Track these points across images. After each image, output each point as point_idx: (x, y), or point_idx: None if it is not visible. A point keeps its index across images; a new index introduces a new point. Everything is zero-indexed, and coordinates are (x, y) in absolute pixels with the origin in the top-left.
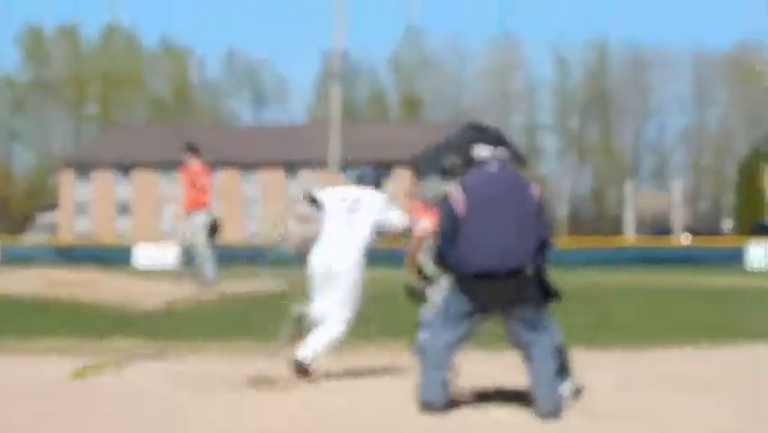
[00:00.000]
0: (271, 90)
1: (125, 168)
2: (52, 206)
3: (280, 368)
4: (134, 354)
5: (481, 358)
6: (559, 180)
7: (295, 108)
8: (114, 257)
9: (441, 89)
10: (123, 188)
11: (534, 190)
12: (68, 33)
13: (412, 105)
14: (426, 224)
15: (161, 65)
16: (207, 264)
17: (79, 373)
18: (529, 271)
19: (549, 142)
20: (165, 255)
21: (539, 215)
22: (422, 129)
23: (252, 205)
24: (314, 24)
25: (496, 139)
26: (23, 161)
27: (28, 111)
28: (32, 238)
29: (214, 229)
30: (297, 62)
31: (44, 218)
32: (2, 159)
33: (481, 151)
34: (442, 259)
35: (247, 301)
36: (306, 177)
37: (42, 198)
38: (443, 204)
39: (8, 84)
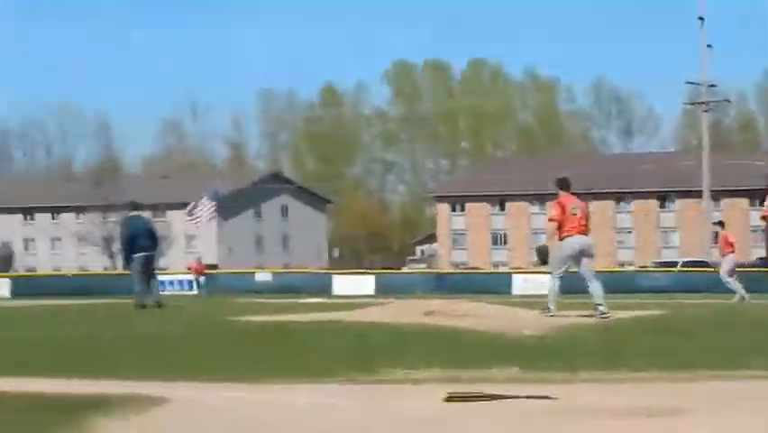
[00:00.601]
0: (639, 119)
1: (499, 200)
2: (430, 237)
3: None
4: (513, 383)
5: None
6: None
7: (663, 137)
8: (493, 286)
9: None
10: (498, 219)
11: None
12: (437, 68)
13: None
14: None
15: (529, 97)
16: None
17: (453, 398)
18: None
19: None
20: (541, 284)
21: None
22: None
23: (625, 234)
24: (680, 53)
25: None
26: (398, 193)
27: (400, 144)
28: (410, 268)
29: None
30: (664, 91)
31: (423, 249)
32: (377, 191)
33: None
34: None
35: (630, 329)
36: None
37: (418, 229)
38: None
39: (380, 118)
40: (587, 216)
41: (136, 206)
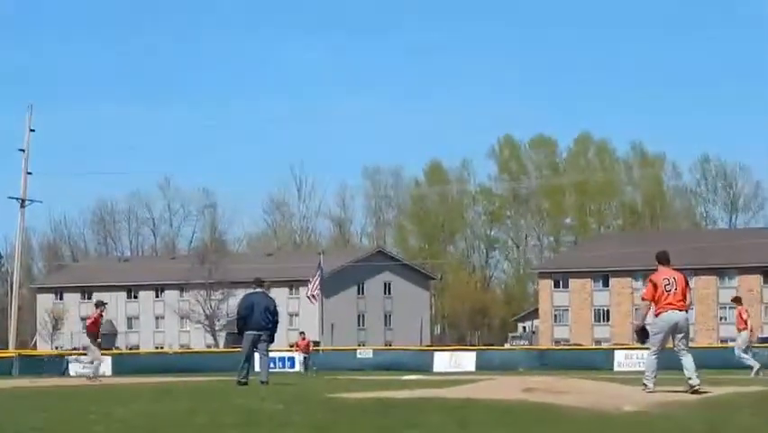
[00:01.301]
0: (746, 195)
1: (602, 275)
2: (532, 313)
3: None
4: None
5: None
6: None
7: None
8: (594, 362)
9: None
10: (601, 295)
11: None
12: (543, 144)
13: None
14: None
15: (635, 172)
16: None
17: None
18: None
19: None
20: (641, 360)
21: None
22: None
23: (728, 310)
24: None
25: None
26: (501, 269)
27: (504, 221)
28: (512, 345)
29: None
30: None
31: (525, 325)
32: (480, 268)
33: None
34: None
35: (728, 405)
36: None
37: (521, 306)
38: None
39: (485, 194)
40: (684, 291)
41: (260, 282)
